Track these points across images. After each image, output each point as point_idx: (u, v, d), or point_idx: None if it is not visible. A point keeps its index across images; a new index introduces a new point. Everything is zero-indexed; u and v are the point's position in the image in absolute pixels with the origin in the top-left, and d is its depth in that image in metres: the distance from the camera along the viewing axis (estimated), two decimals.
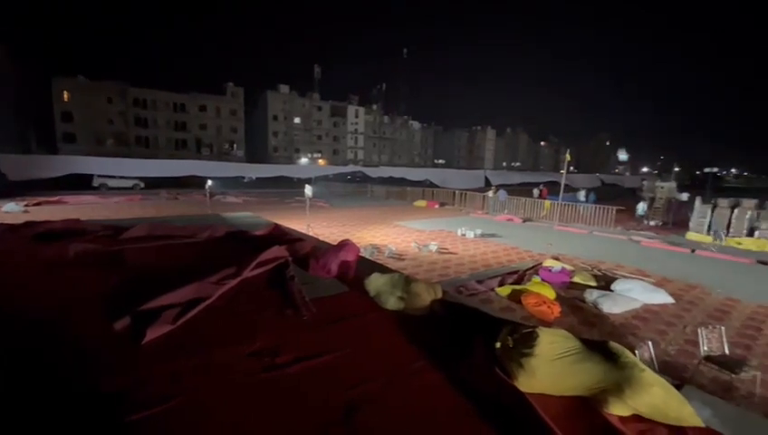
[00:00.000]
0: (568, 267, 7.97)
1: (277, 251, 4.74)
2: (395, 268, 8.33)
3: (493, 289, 6.90)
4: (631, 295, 6.42)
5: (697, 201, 13.57)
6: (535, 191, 20.64)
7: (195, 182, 25.06)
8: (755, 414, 2.27)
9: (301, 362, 2.49)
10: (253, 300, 3.59)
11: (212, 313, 3.23)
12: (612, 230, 13.90)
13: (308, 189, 11.93)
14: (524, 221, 16.12)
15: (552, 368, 2.10)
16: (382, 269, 4.11)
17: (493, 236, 12.52)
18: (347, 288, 3.83)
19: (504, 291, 6.66)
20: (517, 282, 7.25)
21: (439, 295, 3.39)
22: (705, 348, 4.01)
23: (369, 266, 4.72)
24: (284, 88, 59.37)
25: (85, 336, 2.77)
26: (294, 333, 2.92)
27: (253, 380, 2.30)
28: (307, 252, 5.06)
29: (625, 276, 7.55)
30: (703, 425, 1.87)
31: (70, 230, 6.20)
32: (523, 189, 24.78)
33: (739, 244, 11.68)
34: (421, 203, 22.41)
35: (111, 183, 24.77)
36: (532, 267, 8.19)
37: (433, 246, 10.12)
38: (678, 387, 2.33)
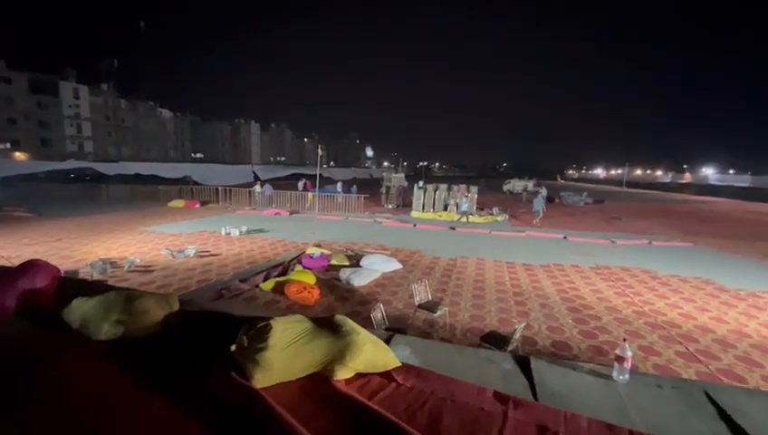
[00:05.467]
0: (326, 252, 8.76)
1: None
2: (139, 283, 6.92)
3: (257, 286, 6.76)
4: (374, 268, 7.69)
5: (415, 187, 17.78)
6: (300, 184, 21.73)
7: None
8: (435, 341, 3.09)
9: None
10: None
11: None
12: (362, 215, 16.36)
13: None
14: (291, 214, 16.70)
15: (286, 355, 2.15)
16: (92, 290, 3.18)
17: (260, 231, 12.33)
18: (28, 327, 2.78)
19: (268, 285, 6.64)
20: (282, 273, 7.38)
21: (176, 307, 2.94)
22: (418, 298, 5.23)
23: (82, 290, 3.60)
24: None
25: None
26: None
27: None
28: None
29: (370, 253, 8.98)
30: (400, 363, 2.36)
31: None
32: (290, 183, 25.60)
33: (439, 216, 16.10)
34: (178, 203, 19.55)
35: None
36: (296, 257, 8.55)
37: (190, 251, 8.99)
38: (390, 337, 2.88)
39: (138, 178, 26.92)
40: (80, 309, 2.75)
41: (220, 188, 20.76)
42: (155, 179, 26.26)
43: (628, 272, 8.78)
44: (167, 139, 68.31)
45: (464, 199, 15.69)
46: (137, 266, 7.96)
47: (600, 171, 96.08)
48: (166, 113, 68.78)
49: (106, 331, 2.60)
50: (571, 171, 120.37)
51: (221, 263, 8.52)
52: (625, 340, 2.57)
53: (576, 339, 5.20)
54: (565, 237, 12.98)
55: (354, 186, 21.06)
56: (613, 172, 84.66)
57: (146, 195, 22.49)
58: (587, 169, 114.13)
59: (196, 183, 25.36)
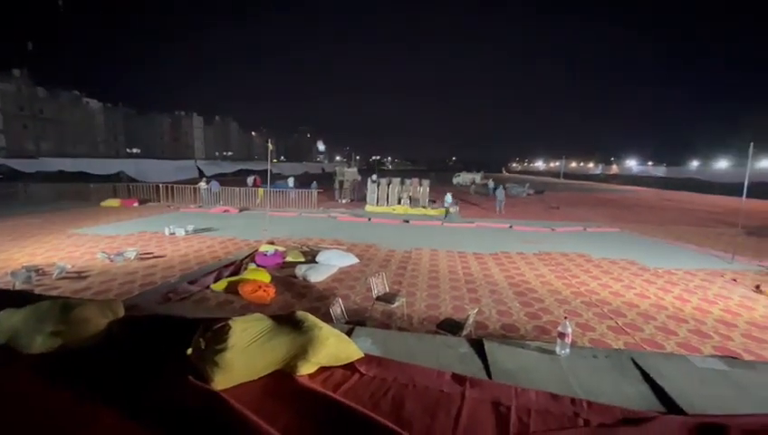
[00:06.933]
0: (281, 249, 8.57)
1: None
2: (72, 291, 6.34)
3: (208, 287, 6.47)
4: (330, 263, 7.66)
5: (369, 181, 17.84)
6: (249, 180, 20.93)
7: None
8: (394, 331, 3.18)
9: None
10: None
11: None
12: (316, 210, 16.16)
13: None
14: (241, 211, 16.07)
15: (246, 355, 2.11)
16: (20, 301, 2.87)
17: (208, 230, 11.75)
18: None
19: (220, 286, 6.38)
20: (235, 273, 7.12)
21: (120, 314, 2.75)
22: (376, 291, 5.32)
23: (7, 301, 3.21)
24: None
25: None
26: None
27: None
28: None
29: (326, 248, 8.92)
30: (363, 355, 2.42)
31: None
32: (238, 179, 24.53)
33: (393, 209, 16.34)
34: (113, 202, 17.99)
35: None
36: (249, 255, 8.27)
37: (130, 253, 8.37)
38: (351, 330, 2.93)
39: (62, 176, 24.35)
40: (7, 321, 2.49)
41: (161, 186, 19.42)
42: (84, 177, 23.87)
43: (567, 257, 9.53)
44: (96, 132, 62.20)
45: (448, 195, 16.76)
46: (68, 273, 7.26)
47: (540, 164, 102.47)
48: (94, 104, 62.51)
49: (40, 344, 2.38)
50: (514, 164, 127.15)
51: (166, 265, 8.02)
52: (566, 318, 2.83)
53: (523, 320, 5.59)
54: (511, 227, 13.77)
55: (314, 182, 20.40)
56: (552, 165, 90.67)
57: (74, 194, 20.45)
58: (529, 162, 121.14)
59: (132, 180, 23.41)
